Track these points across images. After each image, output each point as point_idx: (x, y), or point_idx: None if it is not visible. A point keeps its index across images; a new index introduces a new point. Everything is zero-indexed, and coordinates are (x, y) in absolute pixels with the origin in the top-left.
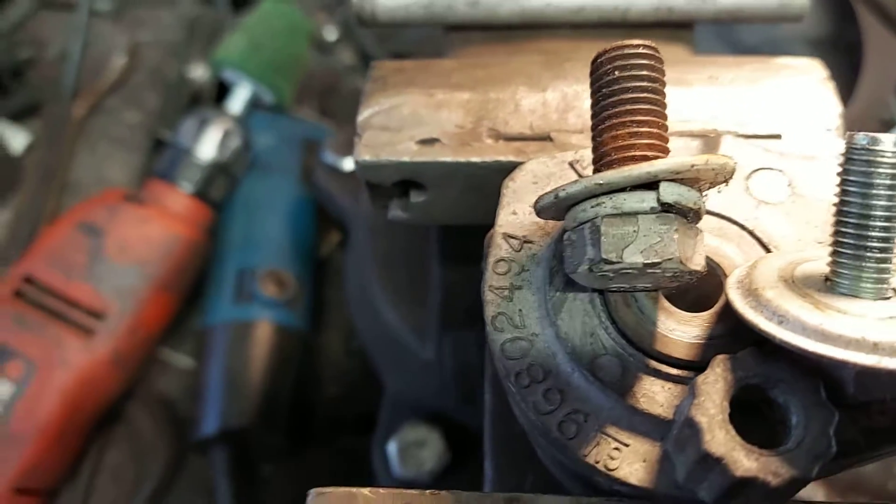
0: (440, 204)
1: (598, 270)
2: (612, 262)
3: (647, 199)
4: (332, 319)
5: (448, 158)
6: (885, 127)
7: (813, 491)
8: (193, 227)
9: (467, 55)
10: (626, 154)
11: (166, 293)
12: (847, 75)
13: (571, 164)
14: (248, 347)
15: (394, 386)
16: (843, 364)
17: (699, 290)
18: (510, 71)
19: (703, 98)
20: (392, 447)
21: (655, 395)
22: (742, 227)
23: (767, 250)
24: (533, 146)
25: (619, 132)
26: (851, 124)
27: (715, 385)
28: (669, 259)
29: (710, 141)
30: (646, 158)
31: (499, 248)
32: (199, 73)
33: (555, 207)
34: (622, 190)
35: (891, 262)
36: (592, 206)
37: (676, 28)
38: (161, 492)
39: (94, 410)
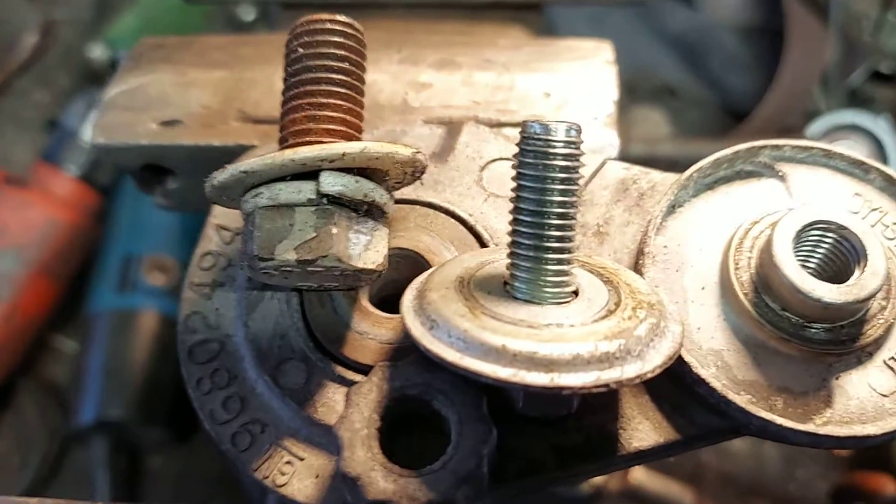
0: (197, 191)
1: (256, 267)
2: (265, 259)
3: (304, 190)
4: None
5: (188, 141)
6: (809, 117)
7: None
8: (77, 212)
9: None
10: (301, 139)
11: (47, 279)
12: (775, 64)
13: None
14: (129, 337)
15: None
16: (476, 376)
17: None
18: (279, 48)
19: (470, 82)
20: None
21: (336, 405)
22: (463, 221)
23: (485, 246)
24: None
25: (296, 115)
26: (772, 113)
27: (367, 396)
28: (325, 256)
29: (453, 129)
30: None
31: (208, 241)
32: (97, 52)
33: (221, 197)
34: (282, 179)
35: (568, 263)
36: (252, 198)
37: (519, 10)
38: (41, 482)
39: None
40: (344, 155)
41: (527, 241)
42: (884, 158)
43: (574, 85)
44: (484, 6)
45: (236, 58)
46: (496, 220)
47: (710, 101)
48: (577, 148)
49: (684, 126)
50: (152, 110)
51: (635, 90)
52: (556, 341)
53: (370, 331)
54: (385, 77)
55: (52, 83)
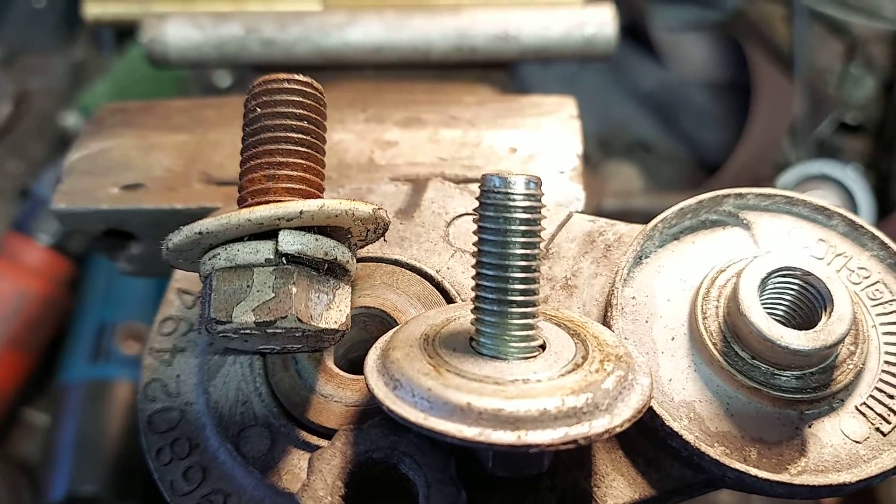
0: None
1: (214, 331)
2: (222, 322)
3: (262, 250)
4: None
5: (150, 205)
6: (779, 169)
7: None
8: (49, 282)
9: None
10: (261, 199)
11: (18, 352)
12: (744, 118)
13: None
14: (102, 408)
15: None
16: (442, 436)
17: None
18: (241, 110)
19: (436, 139)
20: None
21: (301, 472)
22: (429, 277)
23: (452, 302)
24: None
25: (254, 175)
26: (743, 166)
27: (330, 462)
28: (284, 317)
29: (419, 185)
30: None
31: (169, 305)
32: (71, 121)
33: (178, 260)
34: (240, 240)
35: (534, 317)
36: (210, 259)
37: (486, 69)
38: None
39: None
40: (302, 213)
41: (490, 296)
42: (854, 207)
43: (539, 140)
44: (452, 66)
45: (199, 120)
46: (463, 276)
47: (682, 156)
48: (538, 200)
49: (658, 180)
50: (114, 175)
51: (609, 147)
52: (523, 397)
53: (335, 393)
54: (351, 136)
55: (25, 153)
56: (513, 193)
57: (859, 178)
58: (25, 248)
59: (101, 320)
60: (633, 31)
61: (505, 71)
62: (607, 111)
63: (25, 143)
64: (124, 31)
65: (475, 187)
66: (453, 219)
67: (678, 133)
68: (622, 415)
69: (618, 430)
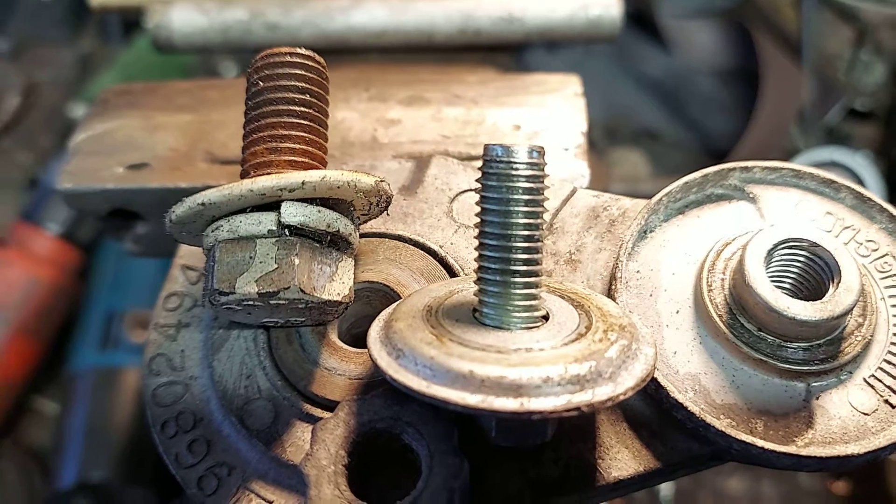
0: (167, 235)
1: (216, 302)
2: (225, 293)
3: (264, 222)
4: None
5: (155, 184)
6: (787, 156)
7: None
8: (58, 270)
9: None
10: (264, 171)
11: (28, 339)
12: (752, 105)
13: None
14: (111, 395)
15: None
16: (444, 403)
17: None
18: (244, 91)
19: (439, 118)
20: None
21: (305, 444)
22: (433, 252)
23: (455, 276)
24: None
25: (257, 148)
26: (751, 153)
27: (333, 432)
28: (287, 288)
29: (422, 162)
30: None
31: (173, 281)
32: (79, 111)
33: (182, 233)
34: (242, 212)
35: (537, 287)
36: (213, 231)
37: (490, 52)
38: None
39: None
40: (304, 183)
41: (493, 266)
42: None
43: (543, 117)
44: (456, 49)
45: (202, 101)
46: (467, 251)
47: (690, 143)
48: (541, 169)
49: (665, 168)
50: (119, 154)
51: (616, 134)
52: (526, 365)
53: (339, 367)
54: (354, 115)
55: (34, 143)
56: (515, 162)
57: (869, 164)
58: (35, 237)
59: (109, 308)
60: (640, 17)
61: (510, 54)
62: (614, 98)
63: (34, 135)
64: (131, 22)
65: (479, 164)
66: (457, 195)
67: (685, 120)
68: (625, 383)
69: (621, 398)
